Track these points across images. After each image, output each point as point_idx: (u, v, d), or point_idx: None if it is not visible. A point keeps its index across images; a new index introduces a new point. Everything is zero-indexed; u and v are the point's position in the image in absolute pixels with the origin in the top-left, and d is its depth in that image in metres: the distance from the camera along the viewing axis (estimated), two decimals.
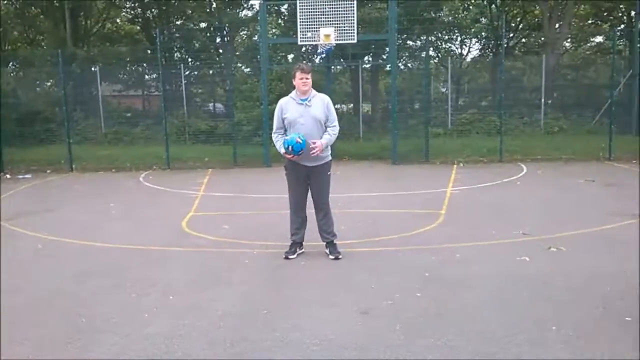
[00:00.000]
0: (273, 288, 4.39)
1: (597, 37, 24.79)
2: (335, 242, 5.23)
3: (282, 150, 4.94)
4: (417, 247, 5.46)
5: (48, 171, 12.54)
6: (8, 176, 11.97)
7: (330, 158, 5.15)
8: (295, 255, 5.18)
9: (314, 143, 4.83)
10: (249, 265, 5.02)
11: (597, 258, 4.97)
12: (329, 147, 5.12)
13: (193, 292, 4.32)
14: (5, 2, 23.74)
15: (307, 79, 4.93)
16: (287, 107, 5.01)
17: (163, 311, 3.96)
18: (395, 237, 5.91)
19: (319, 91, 5.23)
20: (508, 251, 5.25)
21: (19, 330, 3.68)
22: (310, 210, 5.23)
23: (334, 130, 5.02)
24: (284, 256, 5.15)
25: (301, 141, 4.76)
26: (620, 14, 23.59)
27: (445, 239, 5.73)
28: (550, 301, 3.98)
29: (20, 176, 11.87)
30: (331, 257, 5.12)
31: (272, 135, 5.19)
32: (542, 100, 18.16)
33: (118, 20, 27.18)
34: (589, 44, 24.65)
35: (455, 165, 11.67)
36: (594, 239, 5.64)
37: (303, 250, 5.31)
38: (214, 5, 22.30)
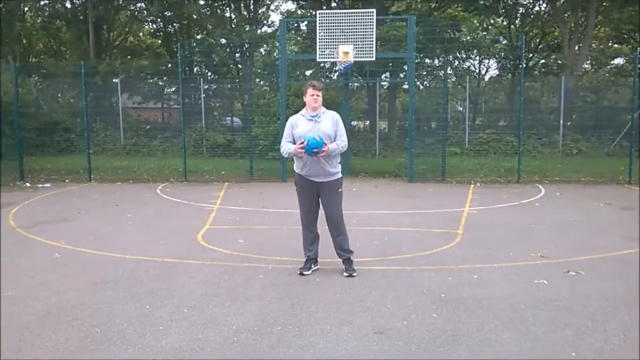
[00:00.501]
0: (287, 304, 4.36)
1: (617, 59, 24.62)
2: (351, 258, 5.21)
3: (291, 149, 4.92)
4: (434, 267, 5.40)
5: (67, 180, 12.72)
6: (28, 184, 12.16)
7: (340, 175, 5.14)
8: (310, 272, 5.16)
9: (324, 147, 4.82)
10: (263, 280, 5.01)
11: (615, 283, 4.87)
12: (339, 165, 5.12)
13: (207, 306, 4.32)
14: (31, 14, 24.42)
15: (318, 95, 4.96)
16: (297, 123, 5.05)
17: (177, 324, 3.95)
18: (411, 256, 5.87)
19: (336, 108, 5.27)
20: (526, 273, 5.17)
21: (33, 339, 3.70)
22: (324, 226, 5.22)
23: (342, 143, 5.00)
24: (298, 272, 5.13)
25: (319, 139, 4.76)
26: None
27: (462, 260, 5.67)
28: (569, 326, 3.90)
29: (40, 185, 12.05)
30: (345, 274, 5.09)
31: (281, 144, 5.16)
32: (561, 121, 18.02)
33: (140, 34, 27.75)
34: (609, 66, 24.48)
35: (472, 185, 11.58)
36: (613, 264, 5.53)
37: (318, 266, 5.29)
38: (235, 22, 22.65)
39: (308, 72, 19.32)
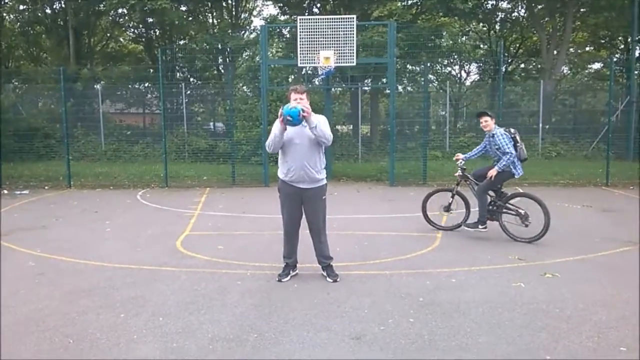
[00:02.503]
0: (265, 311, 4.33)
1: (595, 63, 25.09)
2: (332, 264, 5.20)
3: (275, 130, 4.83)
4: (413, 271, 5.41)
5: (46, 187, 12.53)
6: (5, 192, 11.95)
7: (325, 182, 5.12)
8: (288, 278, 5.13)
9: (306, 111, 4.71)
10: (241, 287, 4.97)
11: (592, 285, 4.93)
12: (324, 170, 5.10)
13: (183, 314, 4.26)
14: (10, 19, 24.06)
15: (301, 99, 4.92)
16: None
17: (152, 333, 3.90)
18: (390, 260, 5.87)
19: (319, 112, 5.23)
20: (503, 277, 5.21)
21: (4, 350, 3.62)
22: (304, 231, 5.20)
23: (327, 135, 4.89)
24: (277, 279, 5.10)
25: (294, 109, 4.66)
26: (617, 42, 23.91)
27: (441, 263, 5.69)
28: (544, 329, 3.93)
29: (18, 192, 11.84)
30: (329, 279, 5.07)
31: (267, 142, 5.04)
32: (540, 125, 18.27)
33: (121, 40, 27.50)
34: (586, 71, 24.94)
35: None
36: (590, 266, 5.60)
37: (297, 272, 5.27)
38: (217, 28, 22.58)
39: (290, 78, 19.34)
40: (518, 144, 6.73)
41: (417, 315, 4.22)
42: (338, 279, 5.08)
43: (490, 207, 6.99)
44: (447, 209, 7.38)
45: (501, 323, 4.05)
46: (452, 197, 7.35)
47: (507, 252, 6.14)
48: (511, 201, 6.90)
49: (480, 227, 6.94)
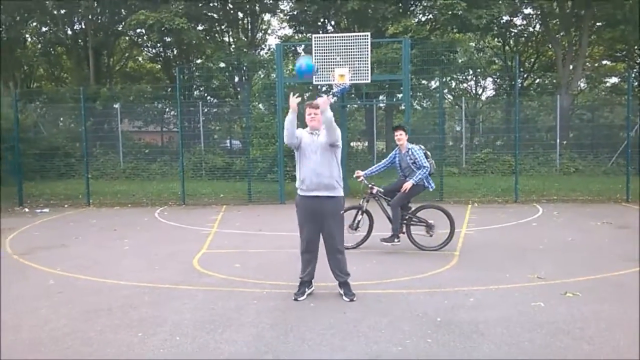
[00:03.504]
0: (281, 331, 4.32)
1: (612, 77, 24.85)
2: (349, 282, 5.18)
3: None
4: (430, 290, 5.36)
5: (66, 205, 12.72)
6: (26, 210, 12.17)
7: (342, 194, 5.15)
8: (304, 297, 5.12)
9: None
10: (258, 306, 4.97)
11: (613, 305, 4.83)
12: (341, 183, 5.13)
13: (200, 334, 4.28)
14: (32, 40, 24.72)
15: (315, 114, 4.99)
16: (302, 133, 5.12)
17: (168, 352, 3.91)
18: (407, 278, 5.83)
19: None
20: (523, 296, 5.13)
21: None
22: (321, 249, 5.21)
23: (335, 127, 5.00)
24: (293, 298, 5.09)
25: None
26: (634, 55, 23.68)
27: (459, 282, 5.63)
28: (566, 350, 3.86)
29: (38, 210, 12.05)
30: (346, 299, 5.05)
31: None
32: (557, 140, 18.10)
33: (140, 59, 28.04)
34: (604, 85, 24.70)
35: (469, 205, 11.57)
36: (611, 285, 5.49)
37: (313, 289, 5.26)
38: (233, 47, 22.92)
39: (306, 95, 19.48)
40: (429, 159, 7.09)
41: (434, 335, 4.17)
42: (355, 298, 5.05)
43: (401, 220, 7.14)
44: (356, 227, 7.23)
45: (521, 344, 3.99)
46: (362, 214, 7.24)
47: (526, 270, 6.06)
48: (418, 213, 7.22)
49: (395, 240, 7.12)
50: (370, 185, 7.24)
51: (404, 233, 7.21)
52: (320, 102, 4.96)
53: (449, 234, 7.14)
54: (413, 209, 7.27)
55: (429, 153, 7.17)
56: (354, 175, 7.29)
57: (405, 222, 7.20)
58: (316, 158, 4.99)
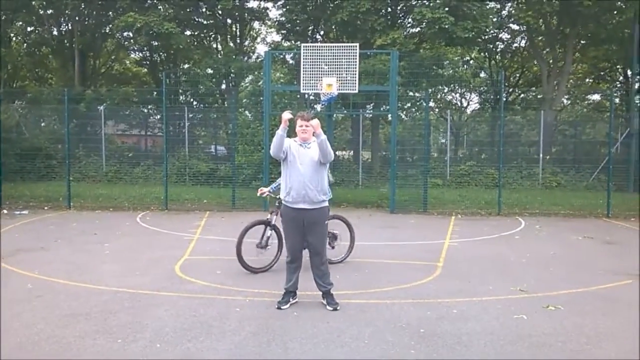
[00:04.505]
0: (264, 340, 4.27)
1: (595, 94, 25.33)
2: (332, 291, 5.16)
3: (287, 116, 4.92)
4: (413, 301, 5.36)
5: (46, 208, 12.49)
6: (5, 212, 11.91)
7: (327, 204, 5.15)
8: (288, 305, 5.08)
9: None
10: (240, 313, 4.91)
11: (595, 319, 4.87)
12: (328, 195, 5.13)
13: (181, 341, 4.21)
14: (17, 40, 24.38)
15: (306, 126, 4.99)
16: (290, 144, 5.07)
17: None
18: (391, 289, 5.82)
19: None
20: (505, 308, 5.16)
21: None
22: (305, 257, 5.18)
23: (330, 150, 5.02)
24: (276, 306, 5.05)
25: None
26: (616, 74, 24.19)
27: (442, 293, 5.64)
28: None
29: (17, 212, 11.82)
30: (329, 308, 5.03)
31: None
32: (541, 155, 18.34)
33: (126, 62, 27.81)
34: (587, 102, 25.16)
35: (453, 217, 11.64)
36: (592, 299, 5.55)
37: (297, 299, 5.22)
38: (221, 53, 22.86)
39: (293, 103, 19.49)
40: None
41: (418, 346, 4.16)
42: (338, 308, 5.03)
43: None
44: (265, 244, 6.63)
45: (503, 356, 4.00)
46: (271, 230, 6.67)
47: (508, 283, 6.09)
48: None
49: None
50: (278, 198, 6.37)
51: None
52: (314, 125, 4.91)
53: (349, 247, 7.14)
54: None
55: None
56: (258, 193, 6.82)
57: None
58: (305, 170, 4.97)
